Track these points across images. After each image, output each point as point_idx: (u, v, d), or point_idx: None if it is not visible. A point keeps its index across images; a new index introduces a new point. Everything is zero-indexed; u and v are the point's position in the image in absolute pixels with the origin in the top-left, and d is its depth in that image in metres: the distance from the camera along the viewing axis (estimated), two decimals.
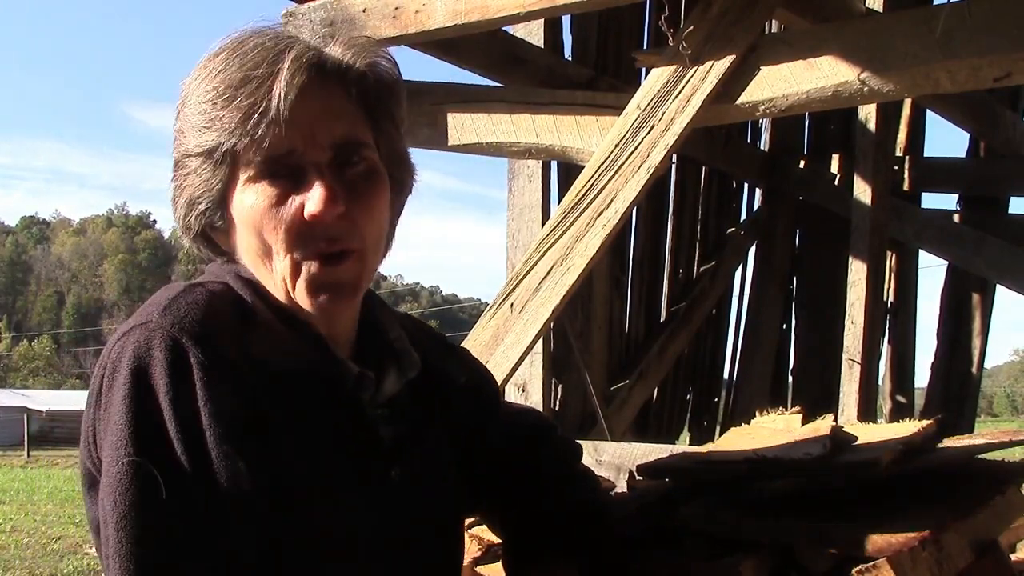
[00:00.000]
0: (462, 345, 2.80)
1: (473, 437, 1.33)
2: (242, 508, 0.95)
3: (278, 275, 1.04)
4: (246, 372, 0.98)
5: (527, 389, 3.78)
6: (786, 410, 1.78)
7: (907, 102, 5.34)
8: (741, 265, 5.83)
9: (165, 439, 0.93)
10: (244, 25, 1.05)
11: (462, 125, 3.07)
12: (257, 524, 0.96)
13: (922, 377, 5.76)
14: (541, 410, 3.69)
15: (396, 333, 1.18)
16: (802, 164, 5.74)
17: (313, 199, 1.00)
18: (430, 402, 1.19)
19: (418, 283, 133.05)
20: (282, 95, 0.97)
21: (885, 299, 5.42)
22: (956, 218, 5.44)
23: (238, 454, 0.94)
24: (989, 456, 1.46)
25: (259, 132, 0.97)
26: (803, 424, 1.65)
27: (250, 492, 0.95)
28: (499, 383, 2.70)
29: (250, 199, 1.02)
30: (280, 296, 1.07)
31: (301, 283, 1.03)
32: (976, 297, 5.45)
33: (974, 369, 5.47)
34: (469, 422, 1.31)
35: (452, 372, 1.23)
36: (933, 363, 5.57)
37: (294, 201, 1.01)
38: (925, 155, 5.61)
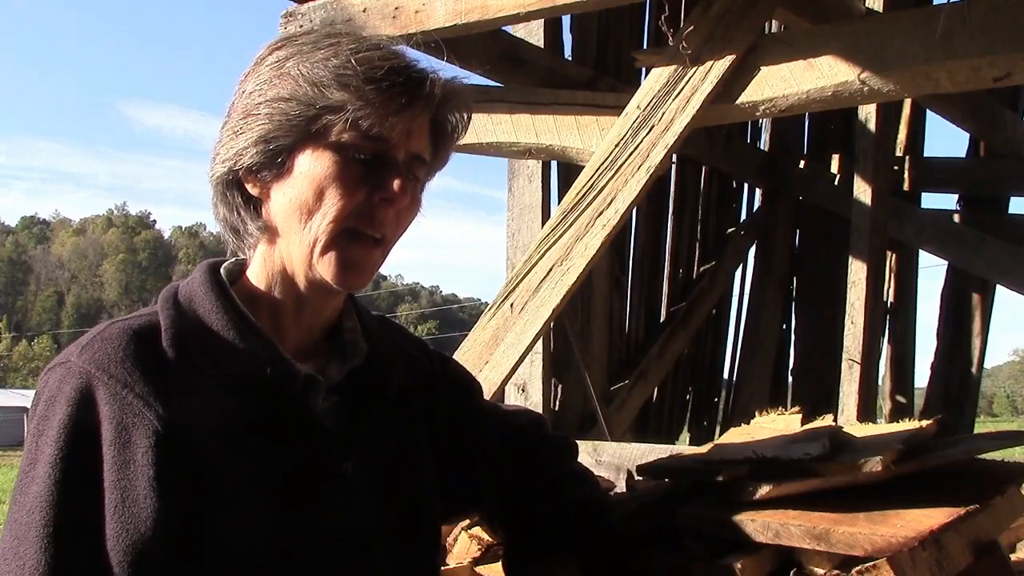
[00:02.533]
0: (461, 346, 2.81)
1: (460, 437, 1.33)
2: (132, 536, 0.99)
3: (311, 233, 1.09)
4: (174, 396, 1.04)
5: (527, 389, 3.78)
6: (786, 410, 1.78)
7: (907, 102, 5.34)
8: (741, 265, 5.84)
9: (67, 470, 1.01)
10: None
11: None
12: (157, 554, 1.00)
13: (922, 377, 5.78)
14: (541, 410, 3.69)
15: (351, 324, 1.22)
16: (802, 164, 5.74)
17: (395, 183, 1.09)
18: (372, 397, 1.20)
19: (418, 283, 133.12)
20: (426, 97, 1.10)
21: (885, 299, 5.42)
22: (956, 218, 5.44)
23: (153, 482, 1.00)
24: (989, 456, 1.46)
25: (391, 117, 1.07)
26: (803, 424, 1.65)
27: (147, 521, 0.99)
28: (499, 383, 2.72)
29: (329, 158, 1.09)
30: (279, 268, 1.13)
31: (333, 253, 1.09)
32: (976, 297, 5.45)
33: (974, 369, 5.47)
34: (450, 422, 1.32)
35: (393, 375, 1.23)
36: (933, 363, 5.57)
37: (367, 180, 1.09)
38: (925, 155, 5.61)
